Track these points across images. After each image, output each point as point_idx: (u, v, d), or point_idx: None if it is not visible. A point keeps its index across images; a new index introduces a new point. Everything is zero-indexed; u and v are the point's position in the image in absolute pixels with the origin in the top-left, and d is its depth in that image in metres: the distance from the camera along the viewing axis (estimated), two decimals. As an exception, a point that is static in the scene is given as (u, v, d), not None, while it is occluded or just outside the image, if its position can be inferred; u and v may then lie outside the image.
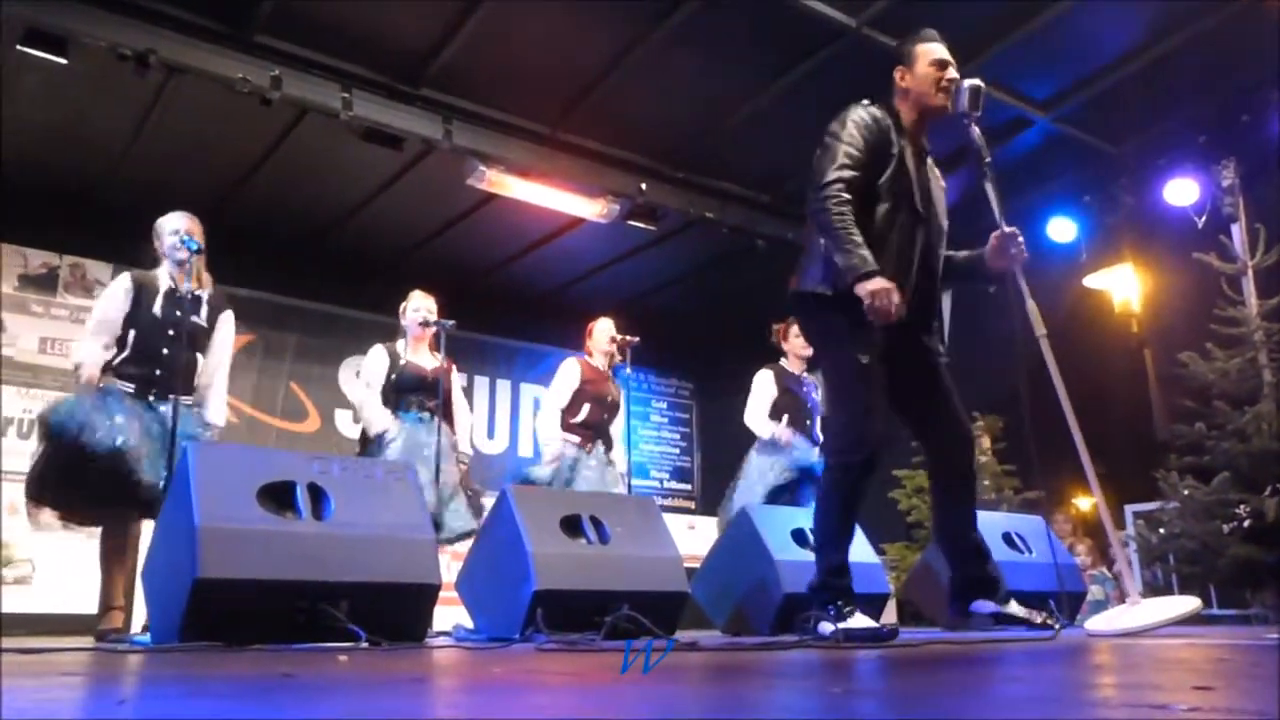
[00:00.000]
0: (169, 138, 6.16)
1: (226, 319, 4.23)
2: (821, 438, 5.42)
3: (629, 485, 5.33)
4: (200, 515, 2.77)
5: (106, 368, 3.92)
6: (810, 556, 4.25)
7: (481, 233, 7.60)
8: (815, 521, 3.10)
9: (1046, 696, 1.26)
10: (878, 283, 2.80)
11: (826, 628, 2.89)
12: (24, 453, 6.40)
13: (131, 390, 3.87)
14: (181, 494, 2.89)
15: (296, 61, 5.59)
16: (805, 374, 5.50)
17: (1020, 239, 3.16)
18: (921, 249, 3.11)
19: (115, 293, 4.05)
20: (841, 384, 3.06)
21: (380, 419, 4.71)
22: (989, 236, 3.16)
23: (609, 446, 5.36)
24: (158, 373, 3.90)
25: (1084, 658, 2.08)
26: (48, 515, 3.79)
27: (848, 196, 2.90)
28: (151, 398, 3.87)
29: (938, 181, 3.27)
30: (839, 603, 2.91)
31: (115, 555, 3.87)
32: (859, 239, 2.86)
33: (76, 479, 3.68)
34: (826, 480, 3.06)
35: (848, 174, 2.93)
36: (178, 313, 3.98)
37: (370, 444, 4.74)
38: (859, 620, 2.86)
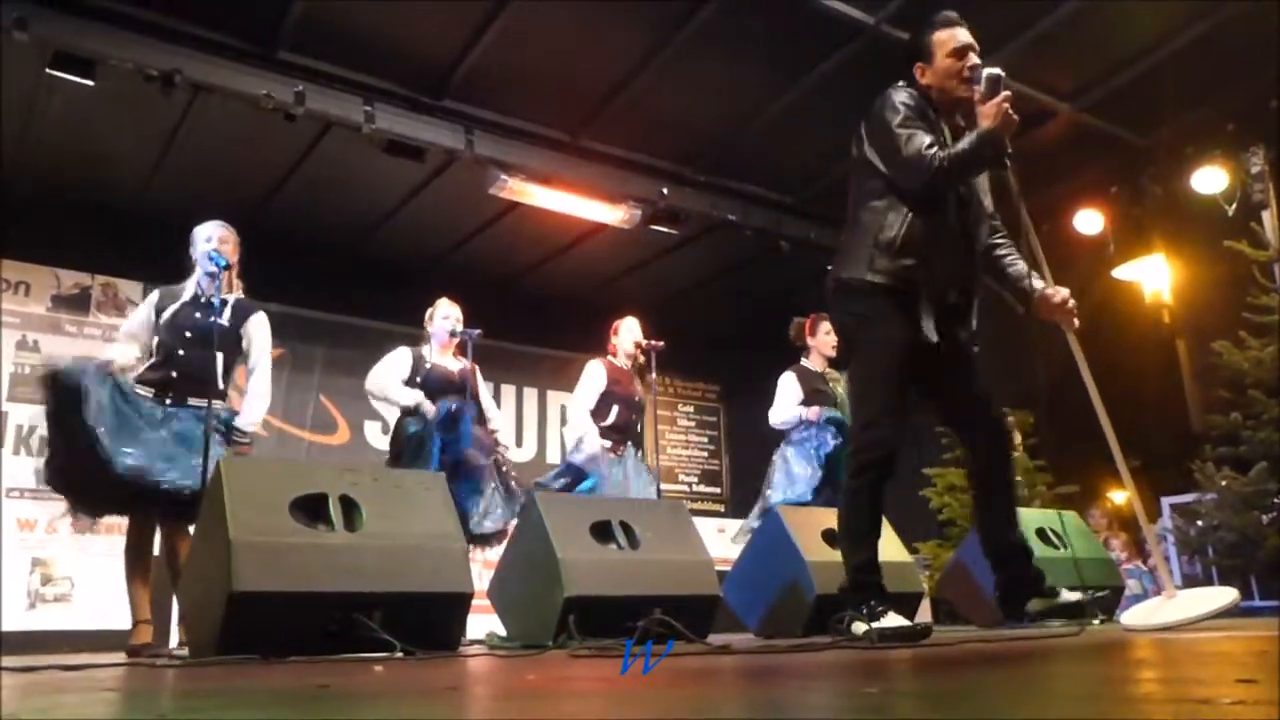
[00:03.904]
0: (196, 156, 6.24)
1: (257, 321, 4.21)
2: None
3: (658, 488, 5.31)
4: (234, 529, 2.79)
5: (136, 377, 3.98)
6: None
7: (505, 241, 7.63)
8: (840, 520, 3.07)
9: (1087, 693, 1.25)
10: (993, 104, 2.83)
11: (859, 627, 2.85)
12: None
13: (150, 395, 3.90)
14: (215, 508, 2.92)
15: (319, 77, 5.64)
16: (828, 371, 5.45)
17: (1072, 303, 3.10)
18: (966, 234, 3.03)
19: (141, 307, 4.18)
20: (869, 379, 3.01)
21: (409, 393, 4.69)
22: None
23: (639, 447, 5.33)
24: (173, 375, 3.93)
25: (1123, 653, 2.06)
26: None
27: (941, 153, 2.86)
28: (168, 401, 3.89)
29: None
30: (871, 602, 2.89)
31: (136, 568, 3.93)
32: (961, 143, 2.86)
33: (86, 480, 3.71)
34: (849, 477, 3.03)
35: (929, 138, 2.89)
36: (196, 315, 4.04)
37: (406, 421, 4.68)
38: (892, 619, 2.82)
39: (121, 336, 4.16)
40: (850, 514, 3.02)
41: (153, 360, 4.01)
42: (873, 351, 2.99)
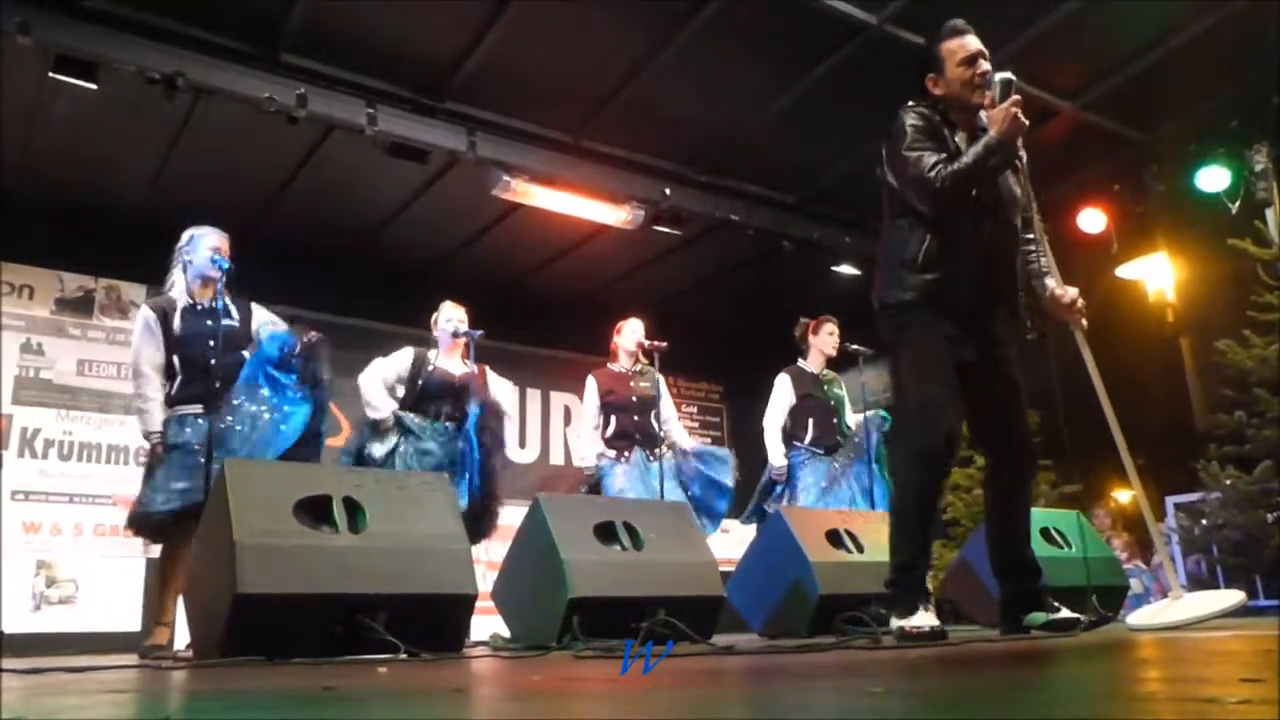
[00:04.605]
0: (198, 158, 6.24)
1: (259, 310, 4.28)
2: (853, 433, 5.41)
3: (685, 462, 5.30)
4: (238, 531, 2.79)
5: (170, 400, 4.01)
6: (845, 556, 4.27)
7: (508, 243, 7.63)
8: (890, 514, 3.10)
9: (1092, 692, 1.24)
10: (1001, 109, 2.88)
11: (894, 623, 2.90)
12: (67, 474, 6.54)
13: (200, 410, 3.93)
14: (219, 511, 2.92)
15: (321, 79, 5.64)
16: (824, 372, 5.46)
17: (1081, 303, 3.14)
18: (989, 242, 3.02)
19: (142, 330, 4.11)
20: (915, 375, 3.02)
21: (383, 404, 4.66)
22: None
23: (655, 443, 5.28)
24: (217, 385, 3.93)
25: (1128, 652, 2.05)
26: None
27: (944, 171, 2.89)
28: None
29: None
30: (907, 598, 2.91)
31: (171, 573, 3.95)
32: (966, 157, 2.90)
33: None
34: (901, 473, 3.05)
35: (934, 158, 2.92)
36: (208, 322, 4.04)
37: (367, 438, 4.66)
38: (921, 617, 2.85)
39: (143, 366, 4.07)
40: (901, 508, 3.04)
41: (183, 377, 4.01)
42: (913, 350, 3.02)
